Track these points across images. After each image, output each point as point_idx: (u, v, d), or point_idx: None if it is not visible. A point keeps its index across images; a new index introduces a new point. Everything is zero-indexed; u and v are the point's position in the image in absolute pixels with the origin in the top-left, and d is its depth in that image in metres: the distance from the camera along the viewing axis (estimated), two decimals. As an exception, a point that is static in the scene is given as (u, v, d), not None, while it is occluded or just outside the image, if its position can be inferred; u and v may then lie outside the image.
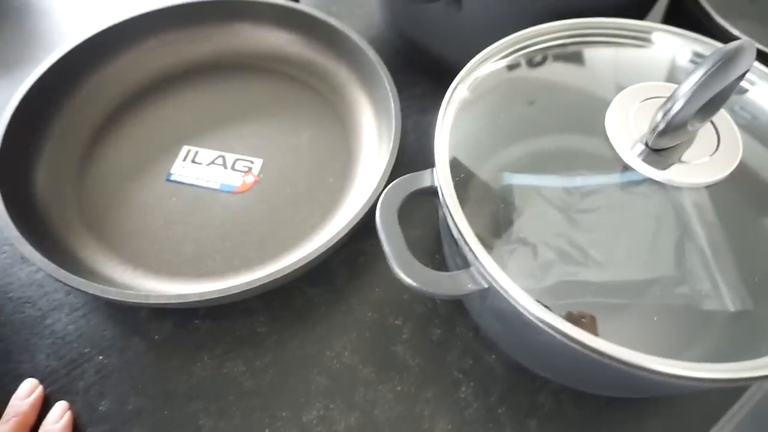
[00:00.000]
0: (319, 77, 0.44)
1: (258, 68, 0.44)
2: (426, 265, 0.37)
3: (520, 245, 0.30)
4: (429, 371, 0.33)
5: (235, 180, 0.39)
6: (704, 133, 0.27)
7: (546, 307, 0.27)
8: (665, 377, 0.24)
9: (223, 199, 0.38)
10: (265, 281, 0.30)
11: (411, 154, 0.41)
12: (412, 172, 0.29)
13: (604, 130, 0.28)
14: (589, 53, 0.36)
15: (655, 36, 0.35)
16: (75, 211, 0.37)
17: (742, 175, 0.29)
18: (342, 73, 0.43)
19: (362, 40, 0.41)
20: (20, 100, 0.37)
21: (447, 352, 0.34)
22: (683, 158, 0.26)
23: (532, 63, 0.35)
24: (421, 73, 0.46)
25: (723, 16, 0.39)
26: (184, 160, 0.40)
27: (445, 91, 0.31)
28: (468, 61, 0.33)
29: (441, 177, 0.28)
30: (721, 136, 0.27)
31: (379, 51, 0.46)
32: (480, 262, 0.25)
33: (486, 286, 0.26)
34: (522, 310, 0.25)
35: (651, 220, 0.30)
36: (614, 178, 0.29)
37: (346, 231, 0.32)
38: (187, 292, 0.32)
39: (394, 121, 0.36)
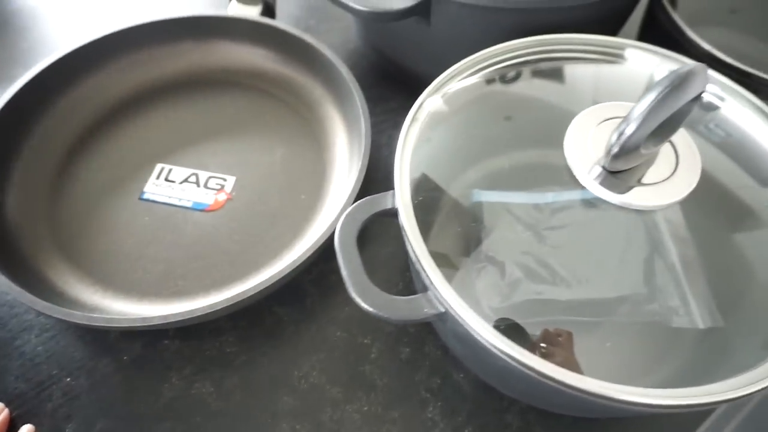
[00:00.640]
0: (293, 93, 0.44)
1: (233, 84, 0.44)
2: (396, 283, 0.37)
3: (488, 263, 0.30)
4: (397, 391, 0.33)
5: (208, 198, 0.39)
6: (663, 153, 0.27)
7: (514, 324, 0.27)
8: (623, 404, 0.24)
9: (195, 217, 0.38)
10: (229, 303, 0.30)
11: (385, 171, 0.41)
12: (385, 189, 0.29)
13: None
14: (561, 70, 0.36)
15: (628, 52, 0.35)
16: (46, 232, 0.37)
17: (703, 193, 0.29)
18: (316, 90, 0.43)
19: (336, 57, 0.41)
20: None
21: (415, 371, 0.34)
22: (641, 180, 0.26)
23: (504, 79, 0.35)
24: (396, 87, 0.46)
25: (700, 29, 0.38)
26: (158, 178, 0.40)
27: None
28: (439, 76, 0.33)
29: (400, 200, 0.28)
30: (680, 156, 0.27)
31: (355, 65, 0.46)
32: (435, 287, 0.25)
33: (442, 310, 0.26)
34: (477, 336, 0.24)
35: (619, 238, 0.30)
36: (580, 196, 0.29)
37: (312, 251, 0.32)
38: (157, 312, 0.32)
39: (363, 140, 0.36)
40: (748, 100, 0.33)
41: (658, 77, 0.33)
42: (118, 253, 0.37)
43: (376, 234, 0.38)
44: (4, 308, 0.36)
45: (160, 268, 0.36)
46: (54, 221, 0.38)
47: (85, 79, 0.42)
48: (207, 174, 0.40)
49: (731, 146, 0.32)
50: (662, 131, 0.25)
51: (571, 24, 0.35)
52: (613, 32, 0.42)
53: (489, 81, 0.34)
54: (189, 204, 0.39)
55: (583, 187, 0.27)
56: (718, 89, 0.34)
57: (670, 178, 0.26)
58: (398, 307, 0.26)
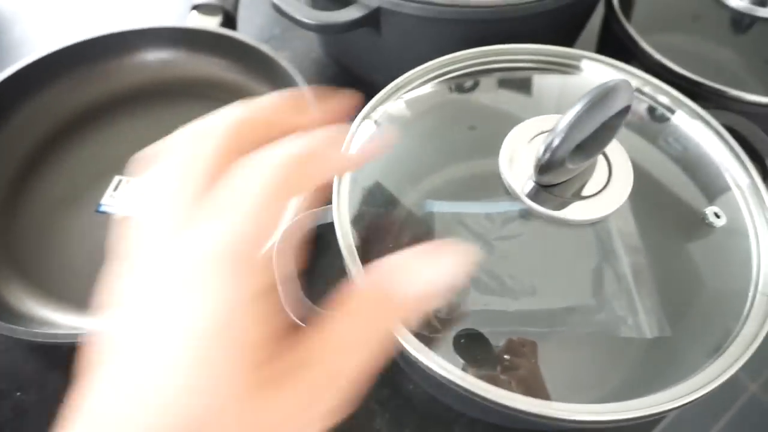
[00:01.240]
0: (252, 104, 0.44)
1: (192, 95, 0.44)
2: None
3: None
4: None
5: (164, 210, 0.39)
6: (598, 166, 0.27)
7: (476, 333, 0.27)
8: (560, 423, 0.25)
9: (151, 229, 0.38)
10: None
11: (342, 180, 0.41)
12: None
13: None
14: (512, 80, 0.36)
15: (582, 63, 0.35)
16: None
17: (650, 203, 0.29)
18: (274, 101, 0.43)
19: (292, 67, 0.41)
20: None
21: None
22: (574, 194, 0.26)
23: (457, 89, 0.35)
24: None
25: (657, 38, 0.38)
26: (115, 190, 0.40)
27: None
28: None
29: (336, 215, 0.28)
30: (613, 169, 0.27)
31: (318, 75, 0.46)
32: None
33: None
34: (408, 355, 0.25)
35: (567, 248, 0.30)
36: (519, 209, 0.29)
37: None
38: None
39: (316, 151, 0.36)
40: (694, 111, 0.33)
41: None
42: (72, 266, 0.37)
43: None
44: (-43, 323, 0.36)
45: (113, 282, 0.36)
46: (8, 236, 0.38)
47: (42, 92, 0.42)
48: (164, 186, 0.40)
49: (679, 156, 0.32)
50: (591, 146, 0.25)
51: (525, 34, 0.35)
52: (570, 43, 0.42)
53: (442, 91, 0.34)
54: (145, 216, 0.39)
55: (517, 200, 0.27)
56: (667, 100, 0.34)
57: (602, 192, 0.26)
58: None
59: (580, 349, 0.29)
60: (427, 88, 0.34)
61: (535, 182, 0.26)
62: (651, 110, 0.34)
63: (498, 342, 0.27)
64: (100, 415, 0.16)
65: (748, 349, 0.25)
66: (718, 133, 0.32)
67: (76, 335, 0.31)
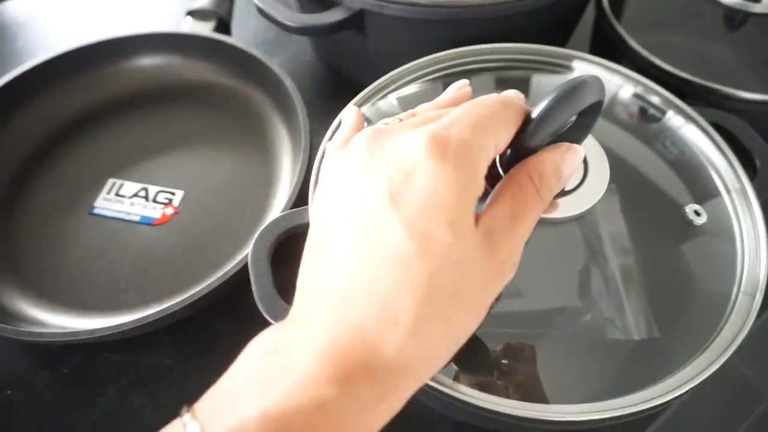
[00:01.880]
0: (243, 107, 0.44)
1: (185, 99, 0.45)
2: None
3: None
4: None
5: (155, 212, 0.40)
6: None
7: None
8: (532, 423, 0.24)
9: (142, 231, 0.39)
10: (159, 316, 0.31)
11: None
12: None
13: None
14: (502, 80, 0.35)
15: (574, 63, 0.35)
16: (-6, 247, 0.38)
17: (636, 202, 0.29)
18: (265, 104, 0.44)
19: (282, 71, 0.41)
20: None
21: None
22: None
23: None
24: (347, 100, 0.46)
25: (647, 37, 0.38)
26: (109, 192, 0.41)
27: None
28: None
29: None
30: (589, 166, 0.27)
31: (311, 78, 0.47)
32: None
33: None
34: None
35: (554, 250, 0.29)
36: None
37: (243, 264, 0.33)
38: (97, 326, 0.33)
39: (302, 154, 0.37)
40: (682, 109, 0.32)
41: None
42: (64, 268, 0.37)
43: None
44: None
45: (103, 282, 0.37)
46: (2, 237, 0.38)
47: (38, 97, 0.43)
48: (156, 188, 0.41)
49: (665, 154, 0.32)
50: (565, 141, 0.25)
51: (513, 35, 0.35)
52: (561, 43, 0.42)
53: (427, 91, 0.34)
54: (137, 218, 0.39)
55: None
56: (656, 98, 0.34)
57: (578, 189, 0.26)
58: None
59: (566, 351, 0.29)
60: (414, 88, 0.34)
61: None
62: (639, 108, 0.34)
63: (490, 345, 0.27)
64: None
65: (730, 347, 0.25)
66: (705, 131, 0.32)
67: (62, 334, 0.31)
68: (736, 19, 0.39)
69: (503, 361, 0.27)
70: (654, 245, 0.29)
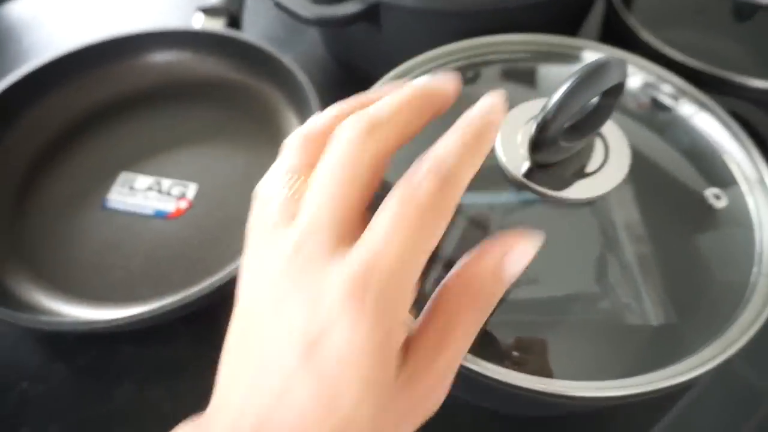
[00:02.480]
0: (256, 102, 0.45)
1: (197, 95, 0.45)
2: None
3: (441, 266, 0.30)
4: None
5: (169, 206, 0.40)
6: (595, 148, 0.27)
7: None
8: (558, 399, 0.24)
9: (156, 225, 0.39)
10: (173, 307, 0.31)
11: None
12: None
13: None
14: (515, 71, 0.36)
15: (585, 54, 0.35)
16: (7, 241, 0.38)
17: (652, 189, 0.29)
18: (278, 99, 0.44)
19: (295, 65, 0.41)
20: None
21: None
22: (569, 174, 0.26)
23: (463, 78, 0.35)
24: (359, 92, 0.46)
25: (660, 29, 0.38)
26: (122, 186, 0.41)
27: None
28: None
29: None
30: (610, 150, 0.27)
31: (322, 74, 0.47)
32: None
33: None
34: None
35: (571, 236, 0.29)
36: (514, 193, 0.29)
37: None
38: (110, 317, 0.33)
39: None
40: (697, 97, 0.33)
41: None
42: (78, 261, 0.37)
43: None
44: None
45: (118, 275, 0.37)
46: (16, 232, 0.38)
47: (51, 93, 0.43)
48: (169, 182, 0.41)
49: (681, 142, 0.32)
50: (585, 125, 0.25)
51: (525, 25, 0.35)
52: (572, 35, 0.42)
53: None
54: (151, 212, 0.39)
55: (514, 182, 0.27)
56: (669, 87, 0.34)
57: (599, 171, 0.26)
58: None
59: (583, 338, 0.29)
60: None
61: (531, 162, 0.26)
62: (653, 97, 0.34)
63: (504, 334, 0.27)
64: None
65: (751, 327, 0.25)
66: (721, 118, 0.32)
67: (80, 323, 0.31)
68: (744, 11, 0.39)
69: (515, 353, 0.27)
70: (672, 230, 0.29)
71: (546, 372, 0.26)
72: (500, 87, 0.35)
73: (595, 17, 0.44)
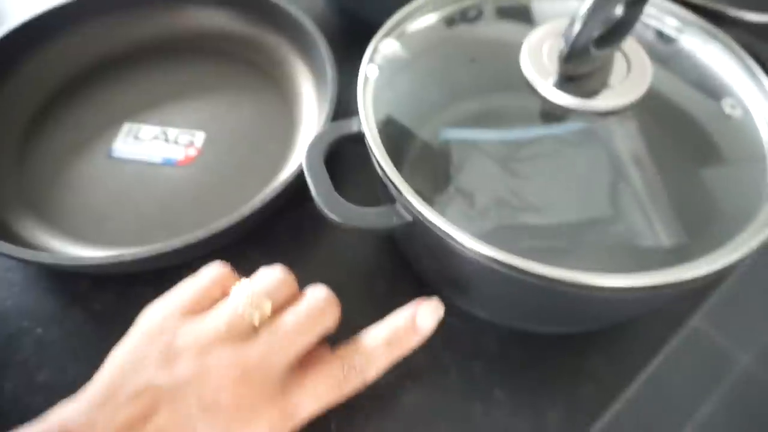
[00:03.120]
0: (260, 53, 0.44)
1: (200, 47, 0.45)
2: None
3: (459, 196, 0.30)
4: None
5: (178, 153, 0.39)
6: (617, 63, 0.28)
7: None
8: (585, 290, 0.25)
9: (166, 172, 0.38)
10: (191, 242, 0.30)
11: (354, 122, 0.42)
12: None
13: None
14: (515, 8, 0.36)
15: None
16: (13, 190, 0.37)
17: (656, 101, 0.29)
18: (282, 47, 0.43)
19: (299, 12, 0.41)
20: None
21: (391, 305, 0.34)
22: (595, 86, 0.27)
23: (465, 19, 0.36)
24: (363, 46, 0.46)
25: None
26: (126, 136, 0.40)
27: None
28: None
29: (365, 122, 0.28)
30: (632, 64, 0.28)
31: (323, 27, 0.47)
32: (404, 196, 0.26)
33: (410, 219, 0.26)
34: (446, 239, 0.25)
35: (583, 164, 0.30)
36: (543, 120, 0.30)
37: (280, 189, 0.33)
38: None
39: (330, 86, 0.37)
40: (704, 27, 0.34)
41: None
42: (88, 207, 0.36)
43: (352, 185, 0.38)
44: (-30, 267, 0.35)
45: (131, 220, 0.36)
46: (21, 180, 0.37)
47: (51, 44, 0.42)
48: (176, 131, 0.40)
49: (690, 72, 0.33)
50: (611, 35, 0.26)
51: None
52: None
53: (450, 22, 0.35)
54: (159, 160, 0.39)
55: (539, 95, 0.27)
56: (675, 21, 0.35)
57: (623, 82, 0.27)
58: (367, 218, 0.26)
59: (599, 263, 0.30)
60: (432, 19, 0.35)
61: (560, 74, 0.27)
62: (658, 30, 0.35)
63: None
64: None
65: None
66: (728, 45, 0.33)
67: (104, 259, 0.30)
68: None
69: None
70: (692, 146, 0.30)
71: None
72: (501, 25, 0.36)
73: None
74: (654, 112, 0.29)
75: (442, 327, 0.33)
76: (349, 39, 0.47)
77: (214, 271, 0.28)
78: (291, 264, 0.35)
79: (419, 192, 0.27)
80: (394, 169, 0.27)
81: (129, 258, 0.30)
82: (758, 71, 0.32)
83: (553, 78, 0.27)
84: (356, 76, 0.32)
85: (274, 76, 0.43)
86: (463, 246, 0.24)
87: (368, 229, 0.26)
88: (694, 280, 0.25)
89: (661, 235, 0.28)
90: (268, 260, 0.35)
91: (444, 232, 0.25)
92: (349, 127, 0.29)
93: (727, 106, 0.29)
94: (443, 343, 0.32)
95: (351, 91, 0.44)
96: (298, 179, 0.33)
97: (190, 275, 0.28)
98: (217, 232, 0.31)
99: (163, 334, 0.25)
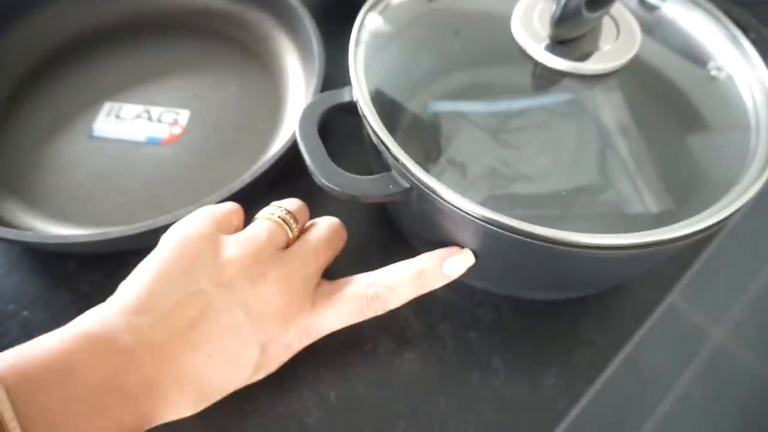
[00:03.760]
0: (243, 29, 0.43)
1: (182, 25, 0.43)
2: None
3: (451, 167, 0.30)
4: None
5: (162, 132, 0.38)
6: (606, 27, 0.28)
7: None
8: (578, 249, 0.25)
9: (150, 150, 0.37)
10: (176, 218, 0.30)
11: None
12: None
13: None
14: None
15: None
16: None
17: (642, 66, 0.30)
18: (265, 23, 0.43)
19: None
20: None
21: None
22: (586, 49, 0.27)
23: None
24: (348, 22, 0.46)
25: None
26: (107, 116, 0.39)
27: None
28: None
29: (358, 91, 0.28)
30: (620, 29, 0.28)
31: (306, 2, 0.46)
32: (401, 162, 0.25)
33: (408, 186, 0.26)
34: (444, 202, 0.25)
35: (572, 134, 0.31)
36: (535, 85, 0.30)
37: (271, 163, 0.32)
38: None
39: (317, 60, 0.36)
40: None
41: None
42: (70, 187, 0.35)
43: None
44: (-50, 251, 0.34)
45: (116, 199, 0.35)
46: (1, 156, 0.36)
47: (28, 18, 0.41)
48: (159, 109, 0.39)
49: (674, 39, 0.34)
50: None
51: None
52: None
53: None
54: (142, 139, 0.38)
55: (530, 58, 0.27)
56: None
57: (613, 46, 0.27)
58: (363, 186, 0.26)
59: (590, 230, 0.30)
60: None
61: (551, 38, 0.27)
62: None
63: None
64: None
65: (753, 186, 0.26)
66: (710, 12, 0.33)
67: (92, 236, 0.30)
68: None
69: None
70: (672, 115, 0.31)
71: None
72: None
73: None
74: (641, 78, 0.29)
75: (438, 299, 0.33)
76: (332, 15, 0.46)
77: (229, 203, 0.29)
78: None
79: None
80: (389, 135, 0.26)
81: (116, 235, 0.29)
82: (740, 36, 0.32)
83: (545, 42, 0.27)
84: (341, 50, 0.32)
85: (259, 53, 0.42)
86: (461, 209, 0.24)
87: (364, 197, 0.26)
88: (679, 238, 0.26)
89: (648, 201, 0.29)
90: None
91: (441, 195, 0.25)
92: (341, 96, 0.29)
93: (711, 70, 0.30)
94: (441, 315, 0.32)
95: (337, 67, 0.43)
96: (289, 152, 0.32)
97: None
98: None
99: (206, 245, 0.25)
